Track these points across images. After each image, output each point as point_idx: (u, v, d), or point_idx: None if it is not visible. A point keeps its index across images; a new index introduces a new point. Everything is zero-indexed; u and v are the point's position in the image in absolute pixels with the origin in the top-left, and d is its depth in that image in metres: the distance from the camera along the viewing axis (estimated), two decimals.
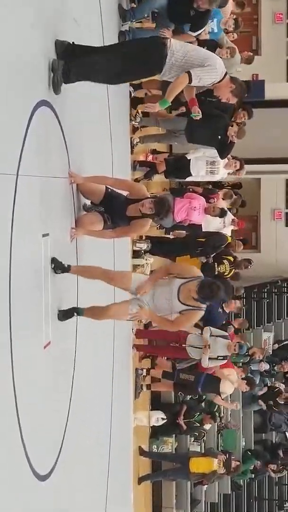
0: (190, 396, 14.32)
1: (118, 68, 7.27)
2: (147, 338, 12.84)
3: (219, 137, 10.84)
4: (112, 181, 8.10)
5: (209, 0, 9.57)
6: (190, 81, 7.29)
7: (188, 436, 14.46)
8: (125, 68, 7.32)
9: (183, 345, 11.82)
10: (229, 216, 12.71)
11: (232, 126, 10.75)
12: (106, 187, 8.03)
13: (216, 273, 12.20)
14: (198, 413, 14.14)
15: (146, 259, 12.37)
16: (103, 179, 8.01)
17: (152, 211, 7.75)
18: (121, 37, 10.70)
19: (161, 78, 7.50)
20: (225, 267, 12.22)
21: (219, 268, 12.20)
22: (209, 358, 11.48)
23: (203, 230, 12.47)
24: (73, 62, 6.89)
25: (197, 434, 14.47)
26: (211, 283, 7.35)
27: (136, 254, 12.26)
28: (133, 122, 11.98)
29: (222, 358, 11.62)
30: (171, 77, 7.38)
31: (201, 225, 12.42)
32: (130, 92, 11.67)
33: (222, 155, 11.04)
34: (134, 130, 12.14)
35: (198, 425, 14.14)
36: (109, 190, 8.07)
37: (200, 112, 7.80)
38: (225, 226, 12.60)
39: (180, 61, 7.25)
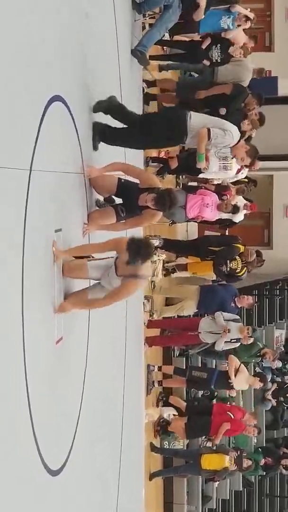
0: (202, 393, 14.31)
1: (146, 144, 9.28)
2: (159, 327, 12.83)
3: None
4: (122, 166, 8.03)
5: None
6: (209, 137, 8.56)
7: None
8: (151, 145, 9.73)
9: (195, 332, 11.83)
10: (242, 201, 12.68)
11: (244, 120, 10.81)
12: (118, 178, 8.01)
13: (228, 269, 12.18)
14: None
15: (158, 255, 12.36)
16: (115, 165, 7.94)
17: (155, 206, 7.64)
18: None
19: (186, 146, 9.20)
20: (237, 264, 12.19)
21: (231, 265, 12.17)
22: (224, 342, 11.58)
23: (216, 218, 12.43)
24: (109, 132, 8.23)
25: None
26: (138, 240, 6.80)
27: None
28: None
29: (235, 341, 11.69)
30: (194, 144, 8.77)
31: (213, 221, 12.40)
32: (143, 87, 11.65)
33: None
34: None
35: None
36: (122, 180, 8.03)
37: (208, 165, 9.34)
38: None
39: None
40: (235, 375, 12.31)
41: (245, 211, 12.89)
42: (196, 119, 8.49)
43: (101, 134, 8.10)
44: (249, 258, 12.33)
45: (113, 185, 7.95)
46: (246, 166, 11.90)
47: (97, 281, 7.12)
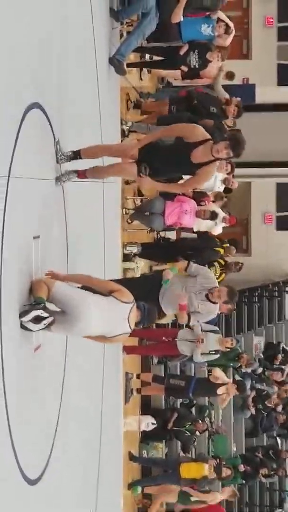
0: (181, 402, 14.26)
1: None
2: (136, 336, 12.76)
3: None
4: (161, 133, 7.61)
5: None
6: (186, 268, 9.52)
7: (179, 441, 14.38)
8: None
9: (175, 339, 11.76)
10: (221, 214, 12.69)
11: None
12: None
13: None
14: (190, 423, 14.06)
15: (136, 263, 12.31)
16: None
17: (230, 154, 7.36)
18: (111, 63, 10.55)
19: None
20: (216, 270, 12.17)
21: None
22: (201, 353, 11.48)
23: (195, 230, 12.45)
24: None
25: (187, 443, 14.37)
26: None
27: (126, 257, 12.19)
28: (124, 127, 11.94)
29: (214, 352, 11.60)
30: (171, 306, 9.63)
31: (192, 228, 12.40)
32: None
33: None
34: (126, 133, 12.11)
35: (189, 434, 14.04)
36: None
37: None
38: (216, 224, 12.59)
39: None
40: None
41: (223, 224, 12.92)
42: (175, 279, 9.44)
43: None
44: (231, 254, 12.52)
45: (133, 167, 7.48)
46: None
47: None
